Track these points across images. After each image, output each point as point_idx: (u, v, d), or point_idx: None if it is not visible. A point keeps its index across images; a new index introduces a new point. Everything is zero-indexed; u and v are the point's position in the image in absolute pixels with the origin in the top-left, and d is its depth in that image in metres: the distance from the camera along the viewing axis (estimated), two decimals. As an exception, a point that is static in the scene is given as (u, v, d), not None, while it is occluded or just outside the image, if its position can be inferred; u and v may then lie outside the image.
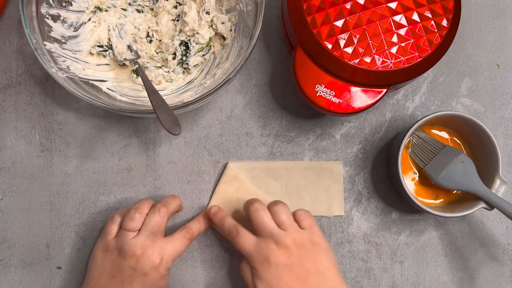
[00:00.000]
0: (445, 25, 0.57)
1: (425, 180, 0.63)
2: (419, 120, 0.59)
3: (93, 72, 0.62)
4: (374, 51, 0.57)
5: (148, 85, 0.57)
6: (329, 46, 0.57)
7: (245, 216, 0.64)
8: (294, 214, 0.58)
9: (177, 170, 0.65)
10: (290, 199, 0.64)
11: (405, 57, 0.57)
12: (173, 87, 0.64)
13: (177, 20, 0.64)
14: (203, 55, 0.64)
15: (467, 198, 0.61)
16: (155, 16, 0.65)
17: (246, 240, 0.56)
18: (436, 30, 0.57)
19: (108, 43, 0.63)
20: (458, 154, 0.60)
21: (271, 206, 0.57)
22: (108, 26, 0.64)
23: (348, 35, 0.57)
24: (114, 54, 0.63)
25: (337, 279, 0.55)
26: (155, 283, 0.56)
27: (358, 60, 0.56)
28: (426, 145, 0.62)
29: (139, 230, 0.57)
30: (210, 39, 0.64)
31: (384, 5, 0.57)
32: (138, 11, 0.65)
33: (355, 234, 0.65)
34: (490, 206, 0.58)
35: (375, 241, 0.65)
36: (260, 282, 0.54)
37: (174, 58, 0.64)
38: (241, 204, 0.64)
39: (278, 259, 0.54)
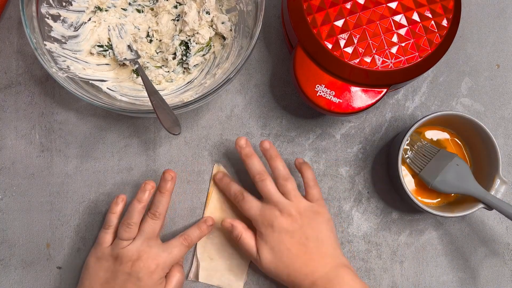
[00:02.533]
0: (445, 25, 0.57)
1: (425, 180, 0.63)
2: (419, 120, 0.59)
3: (93, 72, 0.62)
4: (374, 51, 0.57)
5: (148, 85, 0.57)
6: (329, 46, 0.57)
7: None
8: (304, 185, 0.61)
9: (177, 170, 0.65)
10: None
11: (405, 57, 0.57)
12: (173, 87, 0.64)
13: (177, 20, 0.64)
14: (203, 55, 0.64)
15: (467, 198, 0.61)
16: (155, 16, 0.65)
17: (252, 205, 0.59)
18: (436, 30, 0.57)
19: (108, 43, 0.63)
20: (452, 157, 0.59)
21: (277, 178, 0.59)
22: (108, 26, 0.64)
23: (348, 35, 0.57)
24: (114, 54, 0.63)
25: (335, 246, 0.58)
26: None
27: (358, 60, 0.56)
28: (420, 150, 0.61)
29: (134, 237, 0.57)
30: (210, 39, 0.64)
31: (384, 5, 0.57)
32: (138, 11, 0.65)
33: (355, 234, 0.65)
34: (489, 206, 0.58)
35: (375, 241, 0.65)
36: (263, 244, 0.57)
37: (174, 58, 0.64)
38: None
39: (281, 224, 0.57)
